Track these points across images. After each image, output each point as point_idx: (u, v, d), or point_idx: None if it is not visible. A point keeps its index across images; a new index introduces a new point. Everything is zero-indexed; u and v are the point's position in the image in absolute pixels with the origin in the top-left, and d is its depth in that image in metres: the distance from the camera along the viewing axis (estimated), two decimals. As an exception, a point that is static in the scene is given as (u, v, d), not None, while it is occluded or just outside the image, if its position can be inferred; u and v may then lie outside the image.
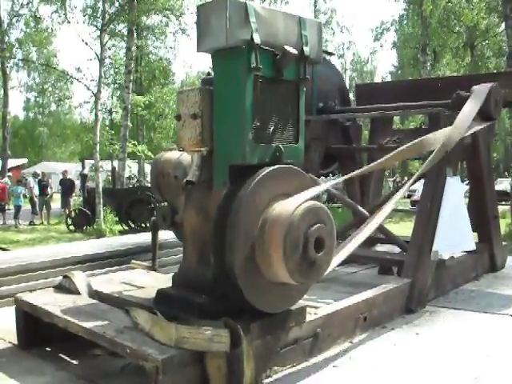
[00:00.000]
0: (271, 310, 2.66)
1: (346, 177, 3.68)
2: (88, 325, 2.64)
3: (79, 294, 3.16)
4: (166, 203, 3.07)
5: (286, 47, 2.56)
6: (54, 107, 47.86)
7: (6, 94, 36.23)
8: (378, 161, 3.30)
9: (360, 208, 4.66)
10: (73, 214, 14.32)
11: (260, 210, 2.49)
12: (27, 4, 33.88)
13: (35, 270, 4.12)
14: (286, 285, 2.62)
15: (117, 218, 13.72)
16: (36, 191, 20.48)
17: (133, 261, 3.66)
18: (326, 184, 3.03)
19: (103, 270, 4.24)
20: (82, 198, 16.11)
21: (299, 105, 2.77)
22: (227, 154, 2.59)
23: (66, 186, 19.83)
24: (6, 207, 20.68)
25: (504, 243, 5.60)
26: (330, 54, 5.59)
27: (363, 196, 5.45)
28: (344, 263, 5.37)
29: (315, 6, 47.41)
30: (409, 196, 18.62)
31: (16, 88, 46.70)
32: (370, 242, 5.45)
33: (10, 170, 34.05)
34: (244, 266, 2.46)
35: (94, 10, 18.83)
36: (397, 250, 5.09)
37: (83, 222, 13.76)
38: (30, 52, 34.96)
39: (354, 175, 3.50)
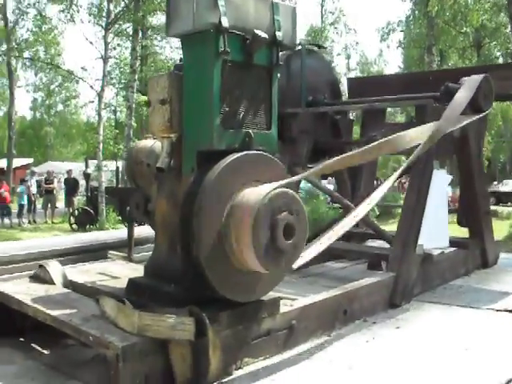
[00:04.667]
0: (241, 300, 2.61)
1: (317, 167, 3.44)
2: (55, 313, 2.60)
3: (53, 283, 3.13)
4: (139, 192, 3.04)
5: (256, 31, 2.51)
6: (60, 107, 48.03)
7: (11, 94, 36.40)
8: (349, 153, 3.17)
9: (346, 201, 4.60)
10: (76, 212, 14.37)
11: (227, 196, 2.44)
12: (34, 4, 34.09)
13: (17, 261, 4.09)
14: (257, 274, 2.57)
15: (119, 217, 13.74)
16: (33, 190, 20.50)
17: (110, 252, 3.62)
18: (303, 174, 2.96)
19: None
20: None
21: (272, 91, 2.72)
22: (195, 139, 2.55)
23: (70, 185, 19.90)
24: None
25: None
26: (321, 46, 5.53)
27: (354, 190, 5.37)
28: (333, 258, 5.39)
29: (322, 6, 47.27)
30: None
31: (23, 87, 46.98)
32: (361, 237, 5.42)
33: (15, 169, 34.22)
34: (210, 254, 2.41)
35: (100, 9, 18.89)
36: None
37: (86, 220, 13.79)
38: (37, 51, 35.16)
39: (324, 168, 3.24)
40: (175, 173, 2.70)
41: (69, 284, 3.17)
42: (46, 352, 2.91)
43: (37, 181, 24.40)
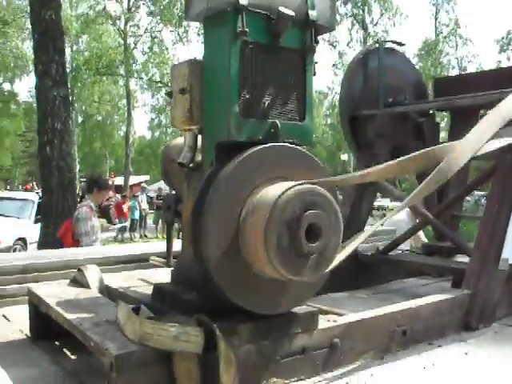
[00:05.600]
0: (262, 311, 2.31)
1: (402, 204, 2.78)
2: (71, 316, 2.46)
3: (89, 287, 3.02)
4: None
5: (281, 9, 2.24)
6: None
7: (129, 114, 38.63)
8: (360, 172, 2.55)
9: (421, 208, 4.12)
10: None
11: (243, 194, 2.16)
12: (151, 30, 36.01)
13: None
14: (283, 282, 2.27)
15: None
16: (144, 205, 21.45)
17: (152, 257, 3.46)
18: (342, 176, 2.60)
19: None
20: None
21: (306, 77, 2.42)
22: (214, 130, 2.31)
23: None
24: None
25: None
26: (400, 44, 5.08)
27: (441, 198, 4.84)
28: (416, 275, 4.89)
29: (436, 19, 45.69)
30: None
31: (140, 108, 49.81)
32: (448, 251, 4.87)
33: (132, 186, 36.14)
34: (221, 259, 2.14)
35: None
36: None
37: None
38: (154, 73, 37.13)
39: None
40: (201, 169, 2.48)
41: (104, 289, 3.04)
42: (72, 357, 2.79)
43: (149, 197, 25.55)
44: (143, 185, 27.50)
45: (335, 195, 2.27)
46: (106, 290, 3.03)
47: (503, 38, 35.71)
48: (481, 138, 2.61)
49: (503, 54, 32.10)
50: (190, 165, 2.49)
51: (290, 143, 2.33)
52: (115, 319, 2.35)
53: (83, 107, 44.35)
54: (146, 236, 22.14)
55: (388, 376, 2.53)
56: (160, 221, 23.00)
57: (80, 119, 46.05)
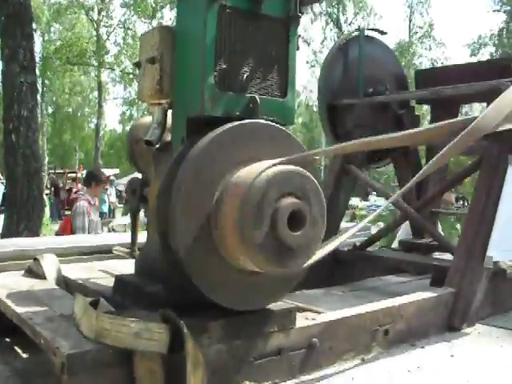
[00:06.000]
0: (236, 307, 2.08)
1: (403, 189, 2.76)
2: (21, 310, 2.20)
3: (45, 278, 2.75)
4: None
5: (264, -29, 2.01)
6: (148, 121, 49.75)
7: (100, 107, 37.98)
8: (380, 137, 2.42)
9: (403, 203, 3.95)
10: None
11: (216, 176, 1.93)
12: (124, 22, 35.40)
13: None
14: (261, 275, 2.04)
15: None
16: (113, 198, 21.19)
17: (115, 247, 3.20)
18: (317, 150, 2.39)
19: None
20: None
21: (289, 50, 2.20)
22: (185, 104, 2.07)
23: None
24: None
25: None
26: (382, 32, 4.90)
27: (420, 193, 4.68)
28: (394, 271, 4.72)
29: (410, 21, 46.04)
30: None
31: (112, 100, 49.15)
32: (427, 248, 4.71)
33: (99, 179, 35.55)
34: (192, 250, 1.90)
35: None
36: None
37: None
38: (126, 66, 36.54)
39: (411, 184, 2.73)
40: (170, 149, 2.24)
41: (62, 280, 2.78)
42: (24, 356, 2.51)
43: (119, 190, 25.27)
44: (112, 178, 27.04)
45: (318, 178, 2.05)
46: (63, 282, 2.77)
47: (474, 42, 36.06)
48: (500, 113, 2.49)
49: (474, 58, 32.40)
50: (158, 144, 2.24)
51: (271, 121, 2.10)
52: (71, 314, 2.10)
53: (54, 98, 43.50)
54: (114, 230, 21.79)
55: (370, 380, 2.33)
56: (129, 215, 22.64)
57: (50, 110, 45.14)
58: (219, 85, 2.01)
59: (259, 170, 1.87)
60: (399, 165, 4.96)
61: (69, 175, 29.40)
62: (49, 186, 26.30)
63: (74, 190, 27.01)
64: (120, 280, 2.37)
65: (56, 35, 37.18)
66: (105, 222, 20.90)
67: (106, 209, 21.75)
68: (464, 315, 3.13)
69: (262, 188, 1.82)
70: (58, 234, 6.54)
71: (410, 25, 44.17)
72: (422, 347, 2.78)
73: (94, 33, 34.53)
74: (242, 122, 1.98)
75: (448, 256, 4.59)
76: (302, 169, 1.95)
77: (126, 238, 4.09)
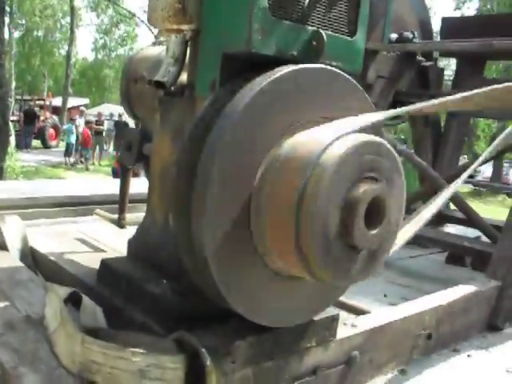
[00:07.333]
0: (275, 324, 1.53)
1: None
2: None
3: (6, 249, 2.13)
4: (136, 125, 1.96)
5: None
6: (122, 51, 48.23)
7: (72, 32, 36.19)
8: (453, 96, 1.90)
9: (433, 172, 3.41)
10: (123, 155, 13.96)
11: (266, 141, 1.32)
12: None
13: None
14: (305, 284, 1.48)
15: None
16: (81, 129, 20.49)
17: (97, 210, 2.58)
18: (404, 109, 1.77)
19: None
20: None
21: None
22: (221, 34, 1.42)
23: (120, 129, 19.96)
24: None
25: None
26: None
27: (435, 166, 4.19)
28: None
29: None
30: (471, 176, 16.78)
31: (84, 27, 47.10)
32: (437, 219, 4.23)
33: (70, 109, 34.29)
34: (223, 244, 1.31)
35: None
36: (470, 234, 3.92)
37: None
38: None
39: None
40: (188, 93, 1.60)
41: (28, 253, 2.16)
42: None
43: (87, 121, 24.39)
44: (82, 108, 25.91)
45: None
46: (30, 255, 2.16)
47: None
48: None
49: (458, 12, 31.55)
50: (173, 86, 1.60)
51: (336, 67, 1.48)
52: (41, 317, 1.51)
53: (23, 20, 41.14)
54: (82, 162, 21.09)
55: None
56: (98, 147, 21.87)
57: (18, 33, 42.75)
58: (273, 10, 1.37)
59: (328, 139, 1.27)
60: (418, 122, 4.43)
61: (36, 102, 28.06)
62: (18, 113, 25.18)
63: (42, 118, 25.83)
64: (108, 267, 1.77)
65: (26, -49, 34.74)
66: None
67: (73, 140, 20.96)
68: (509, 313, 2.66)
69: (331, 168, 1.23)
70: None
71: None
72: (469, 356, 2.30)
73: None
74: (307, 66, 1.36)
75: (458, 229, 4.16)
76: (382, 139, 1.36)
77: (104, 187, 3.47)
